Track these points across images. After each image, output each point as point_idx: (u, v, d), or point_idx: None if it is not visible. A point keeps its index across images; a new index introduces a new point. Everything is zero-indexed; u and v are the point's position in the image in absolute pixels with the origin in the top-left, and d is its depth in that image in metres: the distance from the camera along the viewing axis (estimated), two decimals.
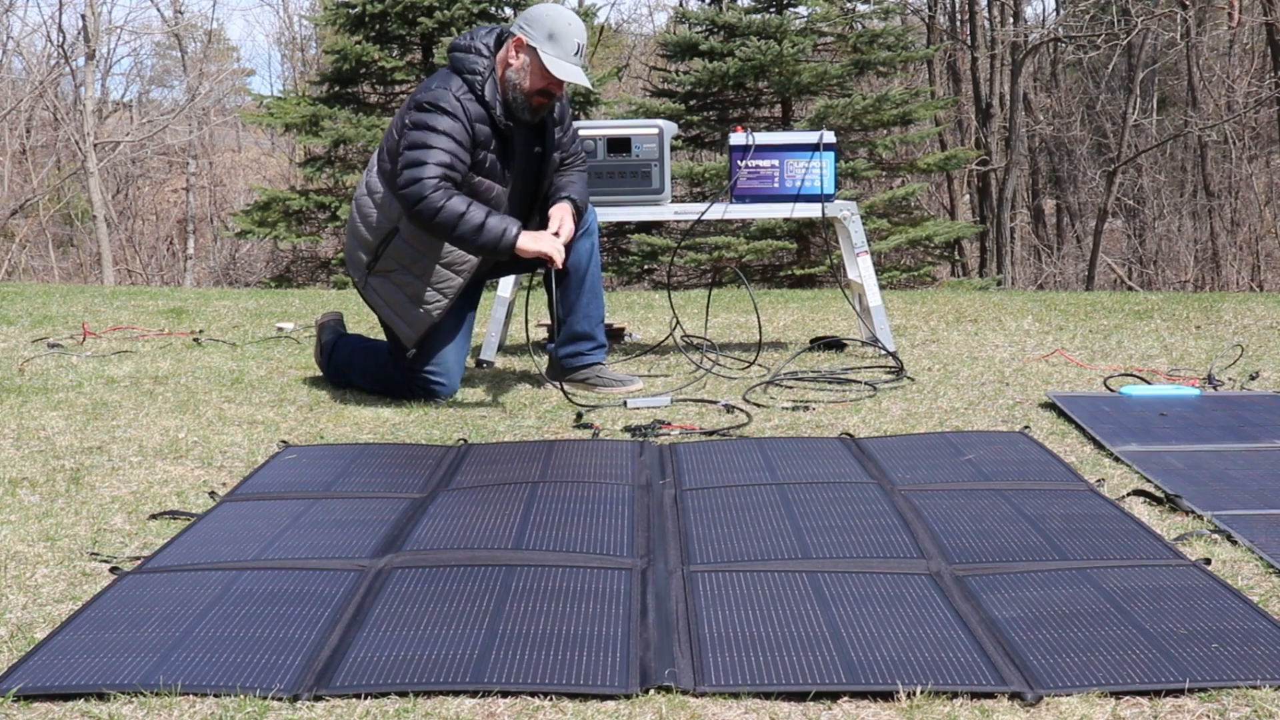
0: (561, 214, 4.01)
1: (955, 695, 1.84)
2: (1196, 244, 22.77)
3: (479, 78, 3.88)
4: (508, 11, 16.71)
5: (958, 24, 24.64)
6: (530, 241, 3.83)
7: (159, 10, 35.58)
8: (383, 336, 4.21)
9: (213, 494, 2.95)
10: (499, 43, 3.97)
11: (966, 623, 2.08)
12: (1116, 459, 3.25)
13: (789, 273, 16.19)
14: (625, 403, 3.97)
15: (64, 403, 3.97)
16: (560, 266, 3.89)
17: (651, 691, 1.85)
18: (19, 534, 2.63)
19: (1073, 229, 25.38)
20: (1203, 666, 1.89)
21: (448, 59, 3.98)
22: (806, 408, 3.89)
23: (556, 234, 3.93)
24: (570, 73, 3.87)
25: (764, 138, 4.81)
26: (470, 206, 3.78)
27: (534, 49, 3.87)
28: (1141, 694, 1.84)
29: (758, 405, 3.95)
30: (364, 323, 5.96)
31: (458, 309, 4.09)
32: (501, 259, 3.92)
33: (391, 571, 2.35)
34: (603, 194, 4.66)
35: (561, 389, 4.06)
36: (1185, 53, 21.85)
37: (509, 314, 5.03)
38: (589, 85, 4.00)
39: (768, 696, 1.84)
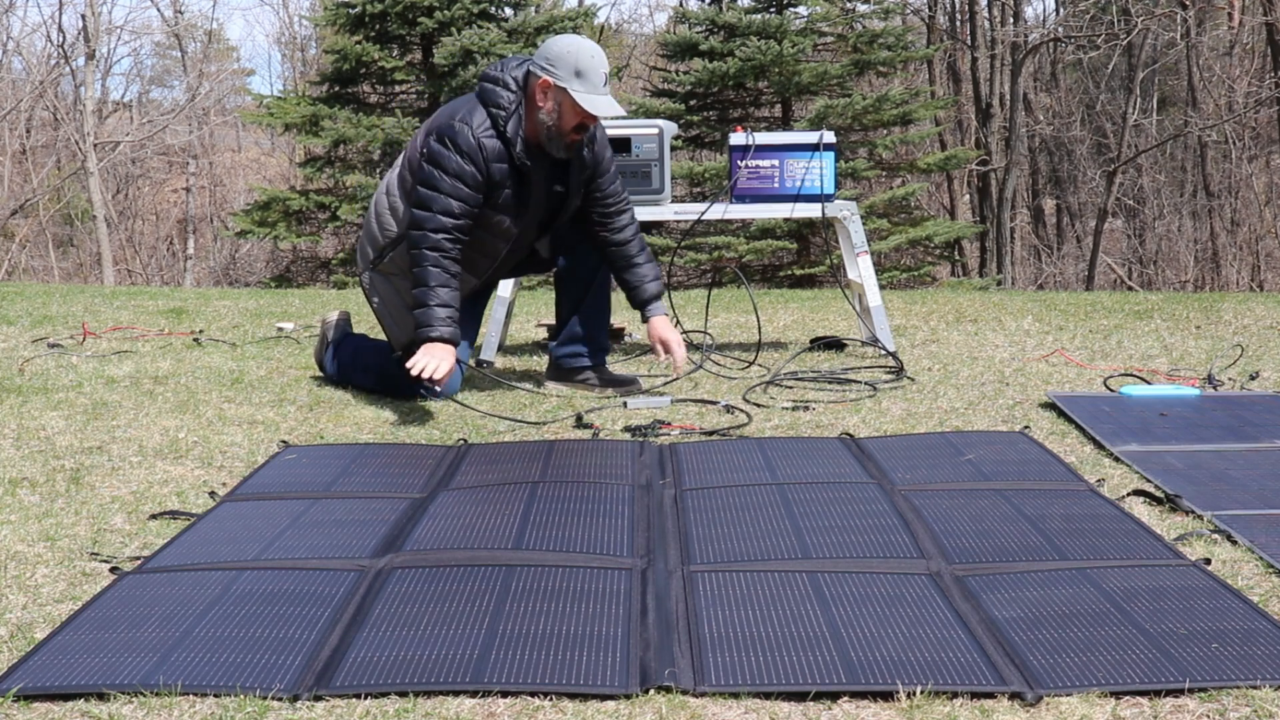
0: (664, 335, 4.08)
1: (955, 695, 1.84)
2: (1196, 244, 22.77)
3: (503, 113, 3.83)
4: (507, 12, 16.72)
5: (958, 24, 24.65)
6: (425, 355, 3.74)
7: (159, 10, 35.61)
8: (383, 335, 4.22)
9: (213, 494, 2.95)
10: (528, 78, 3.91)
11: (966, 623, 2.08)
12: (1116, 459, 3.25)
13: (789, 273, 16.20)
14: (625, 403, 3.97)
15: (64, 403, 3.97)
16: (437, 387, 3.82)
17: (651, 691, 1.85)
18: (19, 534, 2.63)
19: (1073, 229, 25.38)
20: (1203, 666, 1.89)
21: (477, 87, 3.94)
22: (806, 408, 3.90)
23: (667, 350, 4.09)
24: (605, 106, 3.84)
25: (764, 138, 4.81)
26: (434, 286, 3.78)
27: (563, 89, 3.82)
28: (1141, 694, 1.84)
29: (758, 405, 3.95)
30: (363, 324, 5.96)
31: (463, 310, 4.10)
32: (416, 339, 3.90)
33: (391, 571, 2.35)
34: None
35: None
36: (1185, 53, 21.85)
37: (509, 314, 5.04)
38: (624, 113, 3.99)
39: (768, 696, 1.84)
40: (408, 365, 3.76)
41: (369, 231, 4.09)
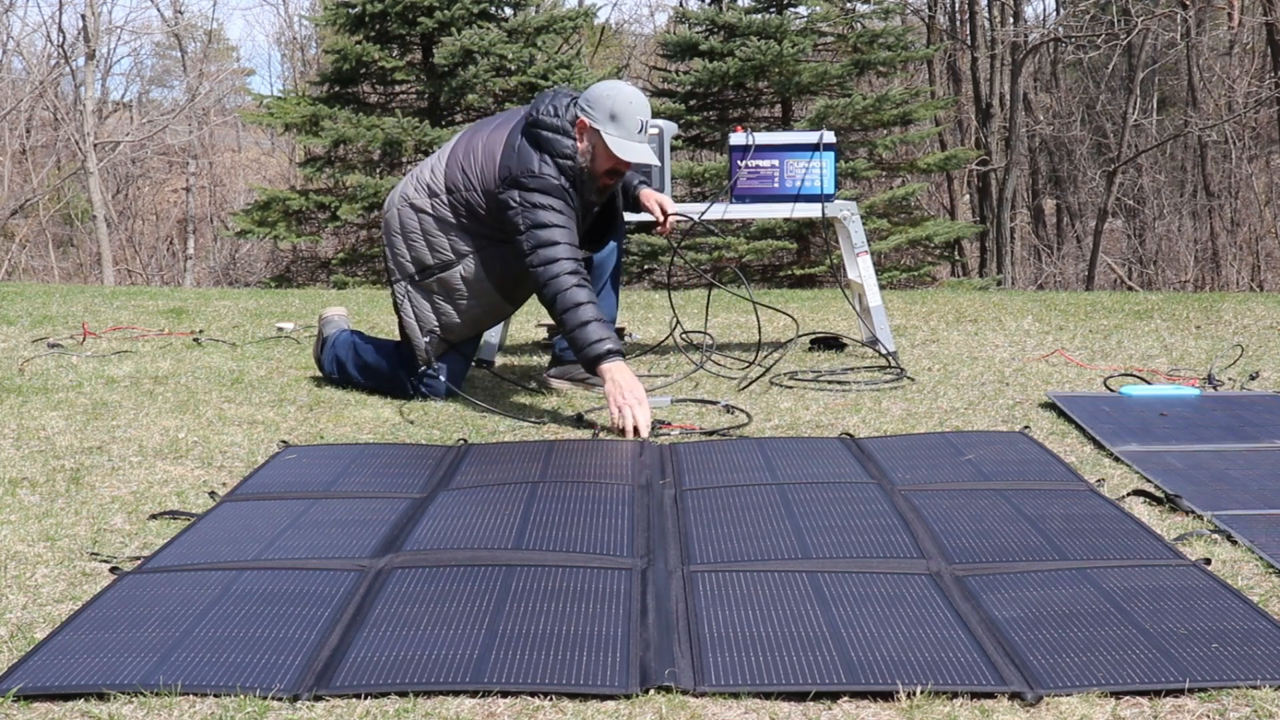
0: (656, 197, 4.17)
1: (955, 695, 1.84)
2: (1196, 244, 22.77)
3: (570, 163, 3.81)
4: (507, 12, 16.72)
5: (958, 24, 24.65)
6: (613, 385, 3.61)
7: (159, 10, 35.62)
8: (382, 335, 4.21)
9: (213, 494, 2.95)
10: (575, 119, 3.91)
11: (966, 623, 2.08)
12: (1116, 459, 3.25)
13: (789, 273, 16.20)
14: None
15: (64, 403, 3.97)
16: (643, 434, 3.53)
17: (651, 691, 1.85)
18: (19, 534, 2.63)
19: (1073, 229, 25.38)
20: (1203, 666, 1.89)
21: (535, 134, 3.83)
22: (793, 386, 3.89)
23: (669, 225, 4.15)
24: (636, 153, 3.82)
25: (764, 138, 4.81)
26: (586, 304, 3.72)
27: (597, 131, 3.81)
28: (1141, 694, 1.84)
29: (754, 378, 3.95)
30: (363, 323, 5.97)
31: None
32: (580, 361, 3.81)
33: (391, 571, 2.35)
34: None
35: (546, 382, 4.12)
36: (1185, 53, 21.85)
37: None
38: (657, 163, 3.98)
39: (768, 696, 1.84)
40: (618, 427, 3.56)
41: (409, 246, 3.99)
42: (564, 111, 3.85)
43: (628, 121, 3.82)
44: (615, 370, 3.64)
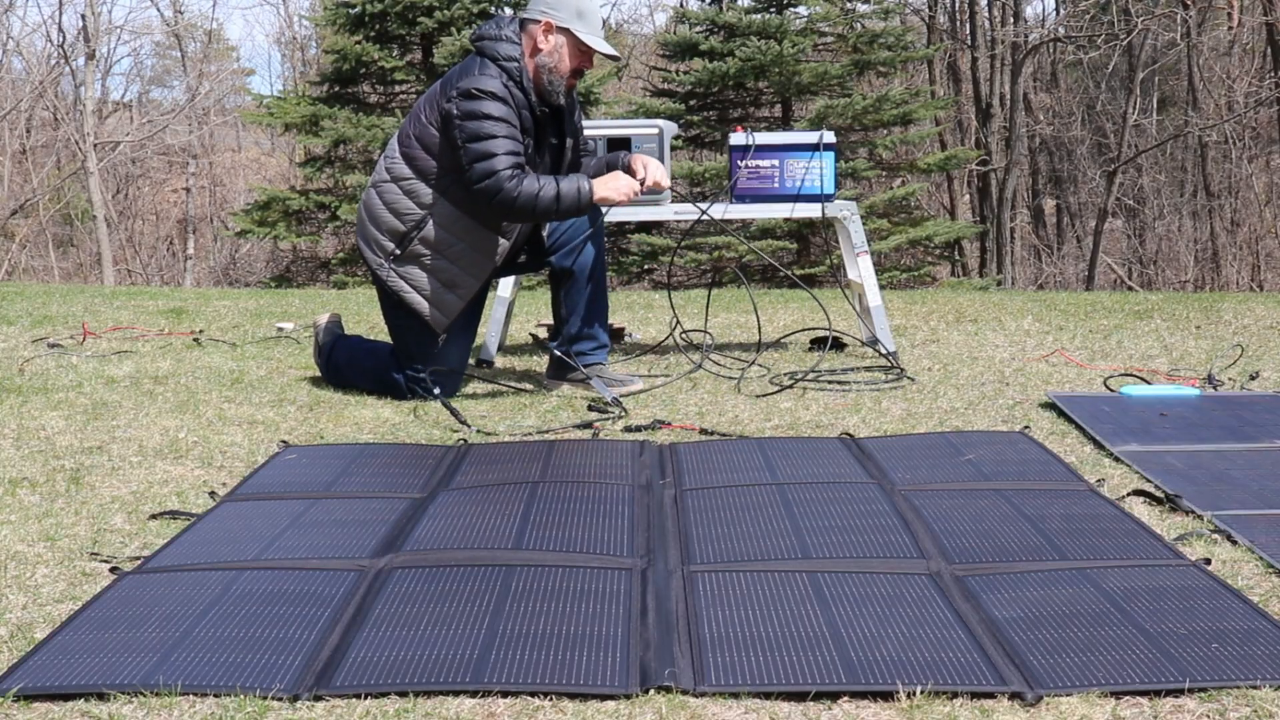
0: (639, 159, 4.15)
1: (955, 695, 1.84)
2: (1196, 244, 22.76)
3: (515, 64, 3.91)
4: (507, 12, 16.71)
5: (958, 24, 24.64)
6: (608, 191, 3.93)
7: (159, 10, 35.62)
8: (383, 336, 4.21)
9: (213, 494, 2.95)
10: (523, 27, 3.99)
11: (966, 623, 2.08)
12: (1116, 459, 3.25)
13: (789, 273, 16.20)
14: (613, 399, 3.93)
15: (64, 403, 3.97)
16: (661, 187, 4.05)
17: (651, 691, 1.85)
18: (19, 534, 2.63)
19: (1073, 229, 25.38)
20: (1203, 666, 1.89)
21: (476, 47, 3.98)
22: (791, 384, 3.89)
23: (641, 179, 4.08)
24: (607, 47, 4.00)
25: (764, 138, 4.81)
26: (540, 185, 3.85)
27: (566, 29, 3.93)
28: (1141, 694, 1.84)
29: (741, 362, 3.95)
30: (363, 323, 5.96)
31: (464, 312, 4.09)
32: (585, 213, 4.04)
33: (391, 571, 2.35)
34: None
35: (563, 363, 4.14)
36: (1185, 53, 21.85)
37: (509, 314, 5.04)
38: (620, 56, 4.06)
39: (768, 696, 1.84)
40: (625, 201, 3.97)
41: (379, 224, 4.01)
42: (505, 25, 3.98)
43: (593, 18, 3.98)
44: (601, 186, 3.93)
